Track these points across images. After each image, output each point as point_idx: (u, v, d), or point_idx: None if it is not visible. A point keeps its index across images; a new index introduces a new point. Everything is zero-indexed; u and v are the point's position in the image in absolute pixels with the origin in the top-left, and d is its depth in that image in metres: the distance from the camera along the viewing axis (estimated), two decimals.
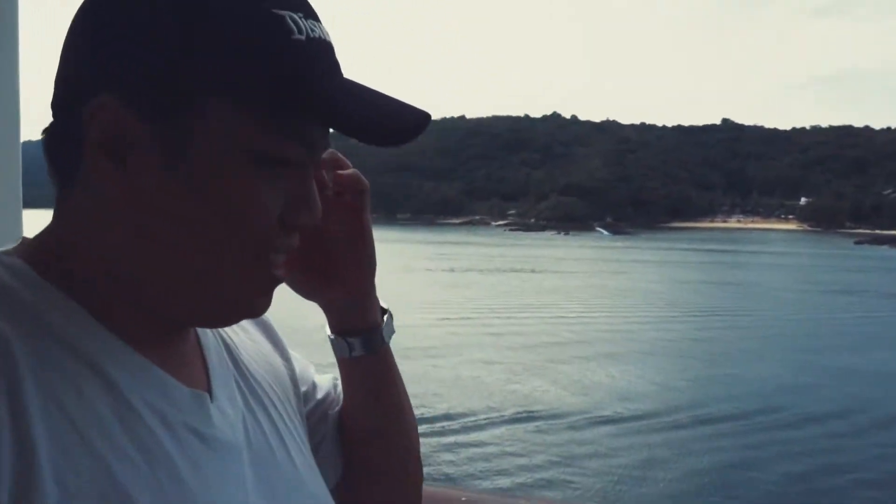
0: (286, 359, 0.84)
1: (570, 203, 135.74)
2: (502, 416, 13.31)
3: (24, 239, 0.65)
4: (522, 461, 11.17)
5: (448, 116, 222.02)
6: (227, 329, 0.75)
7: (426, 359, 16.92)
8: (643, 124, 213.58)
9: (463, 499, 1.47)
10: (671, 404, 14.11)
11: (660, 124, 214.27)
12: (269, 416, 0.73)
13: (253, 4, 0.59)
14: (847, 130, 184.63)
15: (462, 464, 11.04)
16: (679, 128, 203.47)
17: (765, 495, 10.25)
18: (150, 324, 0.64)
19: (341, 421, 0.87)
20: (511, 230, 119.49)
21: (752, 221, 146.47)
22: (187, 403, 0.63)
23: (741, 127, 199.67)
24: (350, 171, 0.81)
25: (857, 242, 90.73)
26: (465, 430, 12.48)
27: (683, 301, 30.75)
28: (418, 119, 0.64)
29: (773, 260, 60.37)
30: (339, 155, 0.80)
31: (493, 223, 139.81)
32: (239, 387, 0.72)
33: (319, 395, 0.87)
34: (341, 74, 0.65)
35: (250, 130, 0.59)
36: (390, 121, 0.63)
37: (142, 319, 0.63)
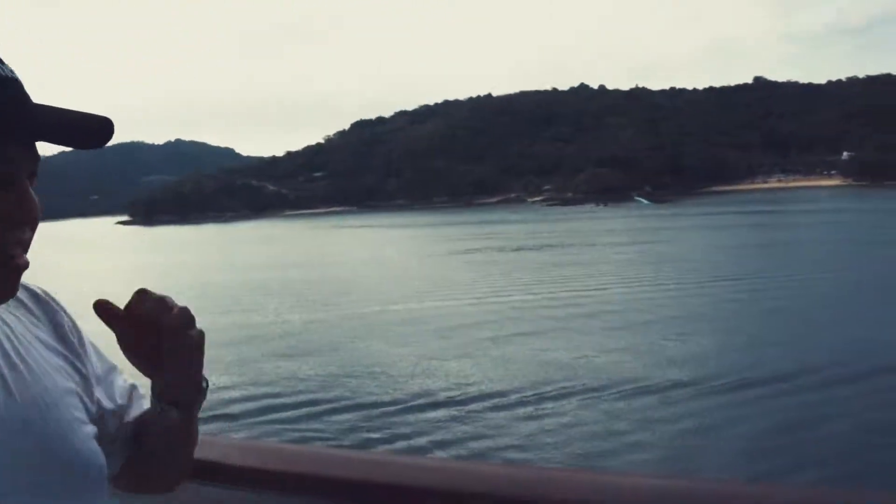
0: (59, 333, 1.00)
1: (606, 175, 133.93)
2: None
3: None
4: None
5: (475, 95, 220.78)
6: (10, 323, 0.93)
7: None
8: (673, 89, 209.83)
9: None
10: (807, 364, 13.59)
11: (690, 87, 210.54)
12: (26, 386, 0.88)
13: None
14: (885, 80, 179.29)
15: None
16: (711, 90, 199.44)
17: None
18: None
19: (137, 433, 1.07)
20: (549, 205, 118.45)
21: (794, 180, 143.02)
22: None
23: (774, 84, 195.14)
24: (175, 313, 0.96)
25: None
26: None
27: (753, 265, 29.91)
28: (103, 124, 0.82)
29: (828, 218, 58.74)
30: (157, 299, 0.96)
31: (529, 199, 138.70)
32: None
33: (118, 400, 1.06)
34: (31, 102, 0.80)
35: None
36: (83, 128, 0.81)
37: None
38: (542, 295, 24.50)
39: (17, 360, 0.89)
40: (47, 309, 1.00)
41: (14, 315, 0.94)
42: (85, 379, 0.99)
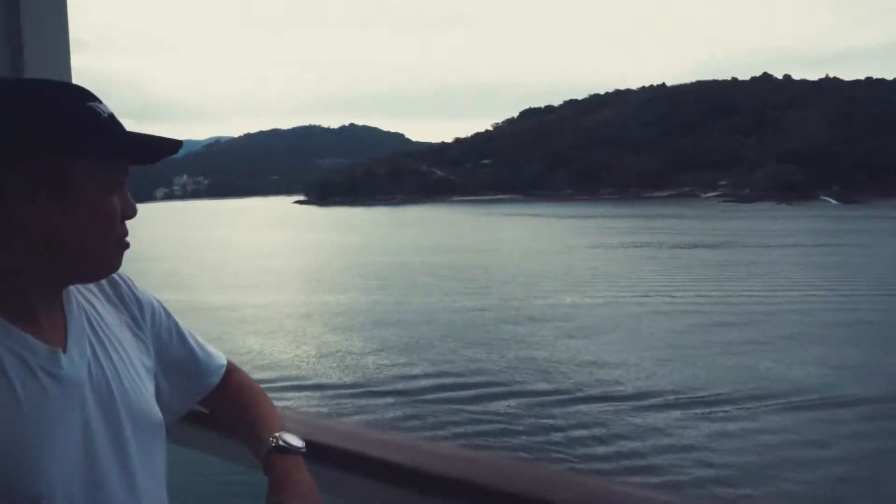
0: (133, 317, 1.26)
1: (789, 171, 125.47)
2: None
3: None
4: None
5: (647, 85, 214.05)
6: (89, 305, 1.18)
7: None
8: (869, 80, 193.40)
9: None
10: None
11: (890, 77, 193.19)
12: (111, 359, 1.15)
13: (82, 104, 1.06)
14: None
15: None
16: None
17: None
18: (25, 308, 1.05)
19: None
20: (724, 202, 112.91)
21: None
22: (44, 354, 1.04)
23: None
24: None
25: None
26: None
27: None
28: (173, 143, 1.11)
29: None
30: None
31: (703, 195, 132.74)
32: (90, 342, 1.13)
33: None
34: (125, 130, 1.10)
35: (102, 171, 1.06)
36: (160, 148, 1.10)
37: (17, 306, 1.05)
38: (712, 295, 23.38)
39: (101, 334, 1.16)
40: (118, 289, 1.26)
41: (94, 295, 1.21)
42: (146, 346, 1.26)
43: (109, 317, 1.21)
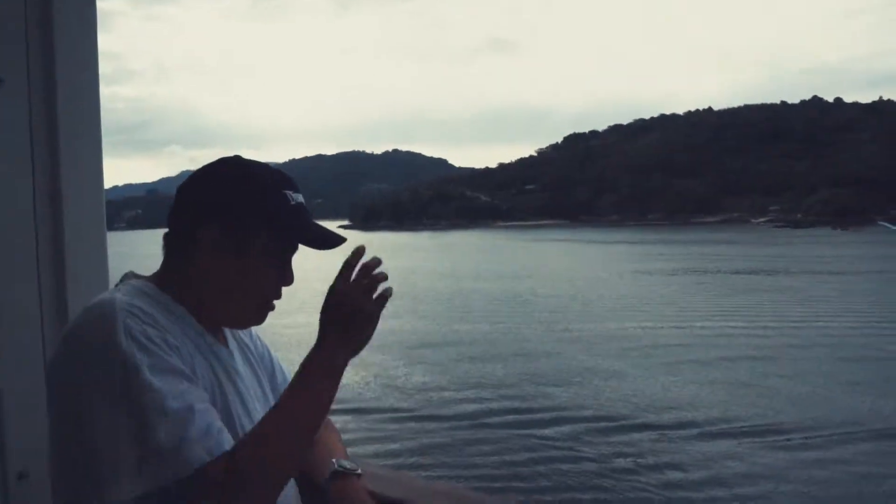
0: (270, 357, 1.61)
1: (843, 195, 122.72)
2: None
3: (131, 273, 1.39)
4: None
5: (693, 109, 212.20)
6: (238, 332, 1.53)
7: None
8: None
9: None
10: None
11: None
12: (254, 370, 1.51)
13: (276, 189, 1.34)
14: None
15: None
16: None
17: None
18: (211, 321, 1.37)
19: None
20: (776, 227, 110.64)
21: None
22: (223, 352, 1.39)
23: None
24: None
25: None
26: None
27: None
28: (339, 238, 1.36)
29: None
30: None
31: (753, 220, 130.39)
32: (241, 354, 1.49)
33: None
34: (310, 218, 1.38)
35: (278, 247, 1.35)
36: (328, 241, 1.35)
37: (207, 319, 1.37)
38: (765, 324, 22.72)
39: (247, 371, 1.50)
40: (245, 334, 1.57)
41: (241, 336, 1.55)
42: (258, 379, 1.55)
43: (247, 343, 1.57)
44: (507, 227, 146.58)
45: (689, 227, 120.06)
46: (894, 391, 14.52)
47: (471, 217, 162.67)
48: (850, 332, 21.53)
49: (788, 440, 11.60)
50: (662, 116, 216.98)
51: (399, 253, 72.10)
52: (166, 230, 1.36)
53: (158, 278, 1.36)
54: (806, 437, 11.70)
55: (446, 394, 15.20)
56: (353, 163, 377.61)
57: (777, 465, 10.58)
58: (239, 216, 1.31)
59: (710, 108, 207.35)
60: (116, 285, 1.35)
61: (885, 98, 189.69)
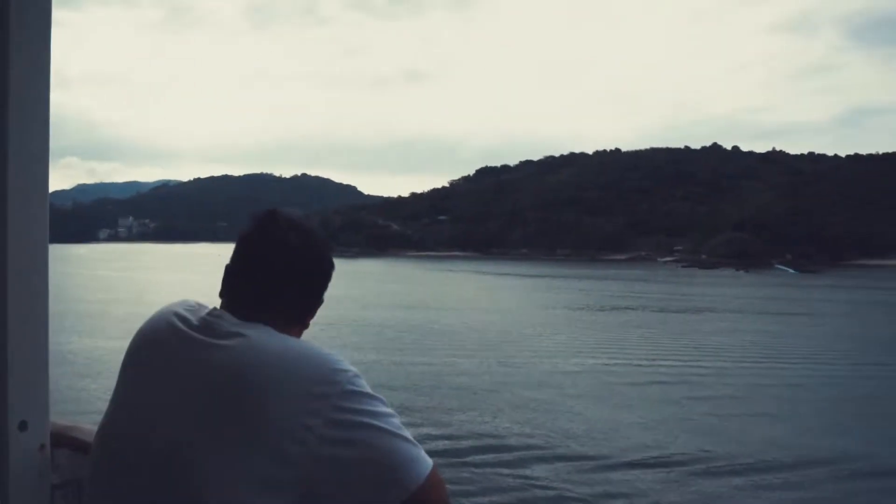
0: None
1: (744, 239, 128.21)
2: None
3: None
4: None
5: (601, 149, 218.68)
6: None
7: None
8: (812, 154, 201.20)
9: None
10: None
11: (831, 153, 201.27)
12: None
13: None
14: None
15: None
16: (856, 157, 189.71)
17: None
18: None
19: None
20: (683, 267, 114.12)
21: None
22: None
23: None
24: None
25: None
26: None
27: None
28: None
29: None
30: None
31: (660, 259, 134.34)
32: None
33: None
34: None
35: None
36: None
37: None
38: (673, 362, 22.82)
39: None
40: None
41: None
42: None
43: None
44: (418, 257, 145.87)
45: (598, 264, 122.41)
46: (788, 418, 15.42)
47: (382, 246, 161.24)
48: (782, 367, 21.84)
49: (709, 468, 11.87)
50: (572, 154, 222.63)
51: None
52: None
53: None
54: (730, 465, 12.08)
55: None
56: (260, 185, 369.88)
57: (707, 491, 10.84)
58: (324, 284, 1.49)
59: (618, 149, 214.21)
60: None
61: (777, 149, 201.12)
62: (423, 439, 13.20)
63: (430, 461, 1.23)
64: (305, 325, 1.44)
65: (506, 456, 12.43)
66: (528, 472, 11.71)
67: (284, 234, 1.37)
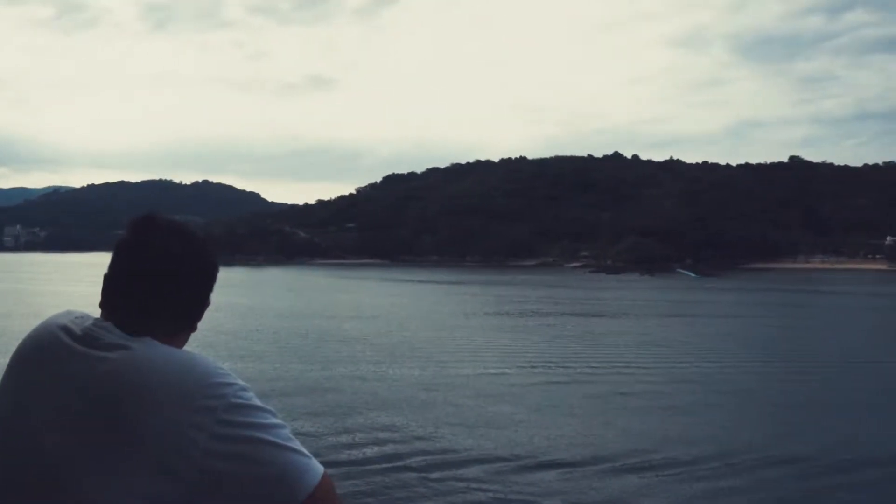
0: None
1: (647, 244, 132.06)
2: None
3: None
4: None
5: (508, 157, 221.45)
6: None
7: None
8: (706, 163, 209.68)
9: None
10: None
11: (723, 163, 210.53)
12: None
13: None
14: None
15: None
16: (747, 166, 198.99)
17: None
18: None
19: None
20: (591, 272, 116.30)
21: (839, 262, 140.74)
22: None
23: (810, 164, 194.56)
24: None
25: None
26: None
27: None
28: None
29: (879, 303, 57.01)
30: None
31: (567, 265, 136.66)
32: None
33: None
34: None
35: None
36: None
37: None
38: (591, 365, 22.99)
39: None
40: None
41: None
42: None
43: None
44: (327, 265, 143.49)
45: (508, 270, 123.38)
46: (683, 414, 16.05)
47: (289, 253, 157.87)
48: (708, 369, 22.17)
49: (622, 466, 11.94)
50: (479, 162, 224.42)
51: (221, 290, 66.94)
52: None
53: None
54: (625, 464, 12.30)
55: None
56: (159, 192, 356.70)
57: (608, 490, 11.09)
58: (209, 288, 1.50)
59: (523, 157, 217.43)
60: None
61: (674, 158, 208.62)
62: (327, 449, 12.57)
63: (320, 470, 1.22)
64: (193, 329, 1.42)
65: (416, 461, 12.14)
66: (435, 475, 11.51)
67: (165, 240, 1.34)
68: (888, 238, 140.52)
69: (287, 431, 1.23)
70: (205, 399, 1.18)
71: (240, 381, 1.24)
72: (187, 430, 1.16)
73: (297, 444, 1.22)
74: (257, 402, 1.24)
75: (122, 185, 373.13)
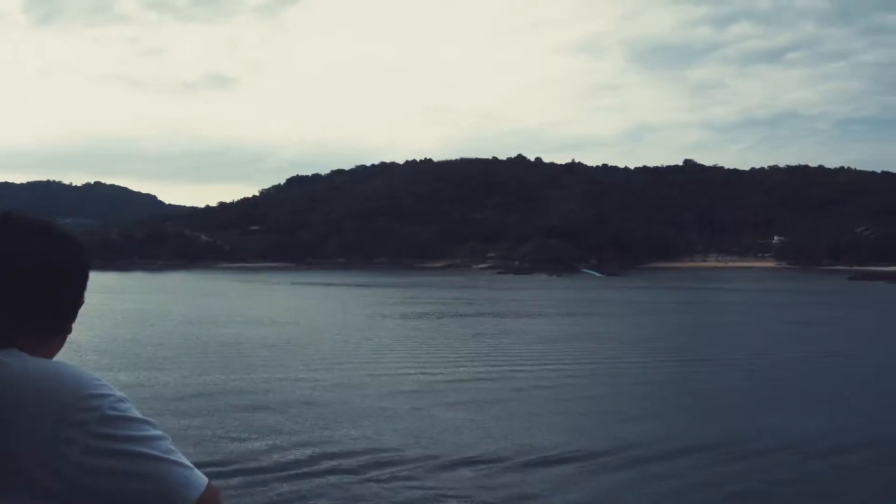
0: None
1: (553, 245, 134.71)
2: None
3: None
4: None
5: (414, 159, 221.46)
6: None
7: None
8: (606, 166, 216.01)
9: None
10: None
11: (622, 166, 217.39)
12: None
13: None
14: (804, 170, 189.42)
15: None
16: (644, 169, 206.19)
17: None
18: None
19: None
20: (499, 273, 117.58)
21: (731, 260, 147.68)
22: None
23: (703, 167, 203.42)
24: None
25: (850, 279, 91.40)
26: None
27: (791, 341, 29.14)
28: None
29: (771, 298, 60.49)
30: None
31: (475, 266, 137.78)
32: None
33: None
34: None
35: None
36: None
37: None
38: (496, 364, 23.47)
39: None
40: None
41: None
42: None
43: None
44: (230, 269, 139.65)
45: (416, 272, 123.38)
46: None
47: (190, 257, 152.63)
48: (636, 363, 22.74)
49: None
50: (384, 164, 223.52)
51: (106, 294, 64.10)
52: None
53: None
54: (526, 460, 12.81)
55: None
56: (47, 194, 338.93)
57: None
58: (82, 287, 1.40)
59: (429, 160, 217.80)
60: None
61: (576, 161, 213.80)
62: (230, 456, 12.19)
63: (203, 480, 1.19)
64: (68, 331, 1.35)
65: (314, 466, 12.17)
66: (332, 479, 11.58)
67: (26, 241, 1.24)
68: (775, 238, 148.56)
69: (167, 443, 1.18)
70: (77, 412, 1.12)
71: (116, 392, 1.18)
72: (58, 446, 1.10)
73: (178, 456, 1.18)
74: (135, 413, 1.18)
75: (5, 187, 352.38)
